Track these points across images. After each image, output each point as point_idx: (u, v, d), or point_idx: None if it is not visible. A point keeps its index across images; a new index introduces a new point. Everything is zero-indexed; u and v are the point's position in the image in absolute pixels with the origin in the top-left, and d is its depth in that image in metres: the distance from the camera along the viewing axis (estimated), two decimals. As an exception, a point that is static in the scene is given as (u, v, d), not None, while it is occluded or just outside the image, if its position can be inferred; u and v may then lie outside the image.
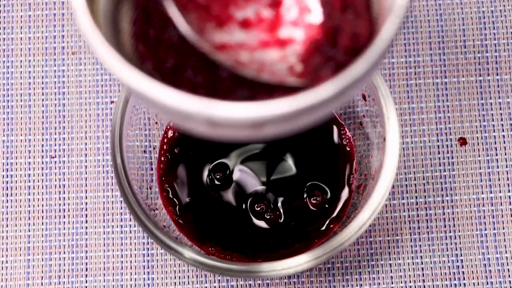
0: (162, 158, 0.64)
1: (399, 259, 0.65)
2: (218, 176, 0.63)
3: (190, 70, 0.44)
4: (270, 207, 0.63)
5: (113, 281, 0.65)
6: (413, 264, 0.65)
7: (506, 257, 0.65)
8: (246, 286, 0.64)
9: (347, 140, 0.64)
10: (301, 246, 0.62)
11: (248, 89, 0.44)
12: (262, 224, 0.63)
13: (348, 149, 0.64)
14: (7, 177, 0.67)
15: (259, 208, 0.63)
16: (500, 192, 0.66)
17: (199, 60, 0.44)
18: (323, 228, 0.63)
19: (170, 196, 0.63)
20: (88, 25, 0.40)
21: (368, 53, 0.40)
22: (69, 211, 0.66)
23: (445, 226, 0.65)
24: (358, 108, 0.63)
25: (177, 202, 0.63)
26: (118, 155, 0.58)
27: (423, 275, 0.65)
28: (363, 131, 0.63)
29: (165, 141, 0.64)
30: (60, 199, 0.66)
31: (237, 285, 0.64)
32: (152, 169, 0.64)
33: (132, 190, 0.58)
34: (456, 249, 0.65)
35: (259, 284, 0.65)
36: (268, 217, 0.63)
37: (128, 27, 0.44)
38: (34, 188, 0.66)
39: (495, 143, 0.67)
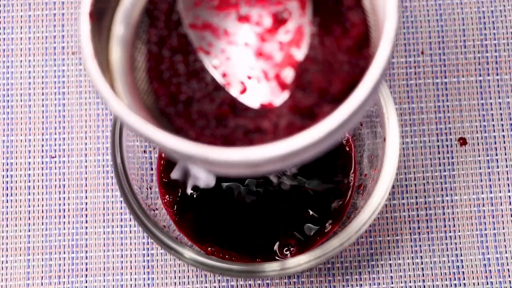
0: (162, 156, 0.64)
1: (399, 259, 0.65)
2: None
3: (199, 102, 0.46)
4: (271, 207, 0.63)
5: (113, 281, 0.65)
6: (413, 264, 0.65)
7: (506, 257, 0.65)
8: (246, 286, 0.64)
9: (346, 140, 0.64)
10: (301, 246, 0.62)
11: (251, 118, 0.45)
12: (262, 223, 0.63)
13: (348, 149, 0.64)
14: (7, 177, 0.67)
15: (259, 209, 0.63)
16: (500, 192, 0.66)
17: (207, 91, 0.46)
18: (323, 228, 0.63)
19: (169, 195, 0.63)
20: (98, 77, 0.42)
21: (343, 107, 0.41)
22: (69, 211, 0.66)
23: (445, 226, 0.65)
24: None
25: (176, 202, 0.63)
26: (118, 155, 0.58)
27: (423, 275, 0.65)
28: (363, 131, 0.63)
29: None
30: (60, 199, 0.66)
31: (237, 285, 0.64)
32: (152, 169, 0.64)
33: (132, 190, 0.58)
34: (456, 249, 0.65)
35: (259, 284, 0.65)
36: (269, 217, 0.63)
37: (142, 65, 0.45)
38: (34, 188, 0.66)
39: (495, 143, 0.67)
